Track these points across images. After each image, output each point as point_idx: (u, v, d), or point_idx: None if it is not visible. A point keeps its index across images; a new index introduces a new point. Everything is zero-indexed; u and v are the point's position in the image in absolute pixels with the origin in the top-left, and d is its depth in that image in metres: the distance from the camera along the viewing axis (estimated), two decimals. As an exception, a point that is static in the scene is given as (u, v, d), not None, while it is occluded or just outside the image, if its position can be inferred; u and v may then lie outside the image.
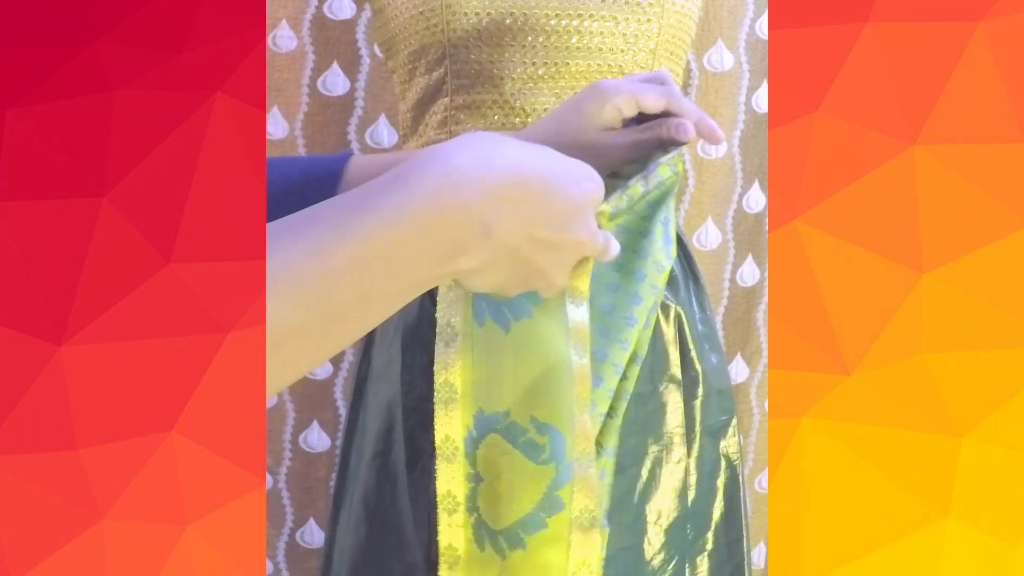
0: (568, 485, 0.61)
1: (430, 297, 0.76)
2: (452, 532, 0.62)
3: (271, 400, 1.27)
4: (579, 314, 0.60)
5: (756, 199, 1.30)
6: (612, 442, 0.64)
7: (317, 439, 1.28)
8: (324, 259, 0.37)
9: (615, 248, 0.53)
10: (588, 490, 0.62)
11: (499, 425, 0.61)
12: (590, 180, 0.47)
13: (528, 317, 0.59)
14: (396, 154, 0.61)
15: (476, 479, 0.62)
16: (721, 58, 1.25)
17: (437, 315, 0.60)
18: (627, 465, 0.80)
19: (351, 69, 1.20)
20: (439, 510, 0.62)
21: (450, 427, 0.61)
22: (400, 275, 0.39)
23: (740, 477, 0.87)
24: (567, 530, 0.62)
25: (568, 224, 0.45)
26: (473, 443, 0.62)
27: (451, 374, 0.61)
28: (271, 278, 0.36)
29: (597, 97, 0.60)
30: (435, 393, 0.61)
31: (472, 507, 0.62)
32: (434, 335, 0.69)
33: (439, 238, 0.39)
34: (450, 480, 0.62)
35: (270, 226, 0.38)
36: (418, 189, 0.39)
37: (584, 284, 0.60)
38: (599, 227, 0.51)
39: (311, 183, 0.59)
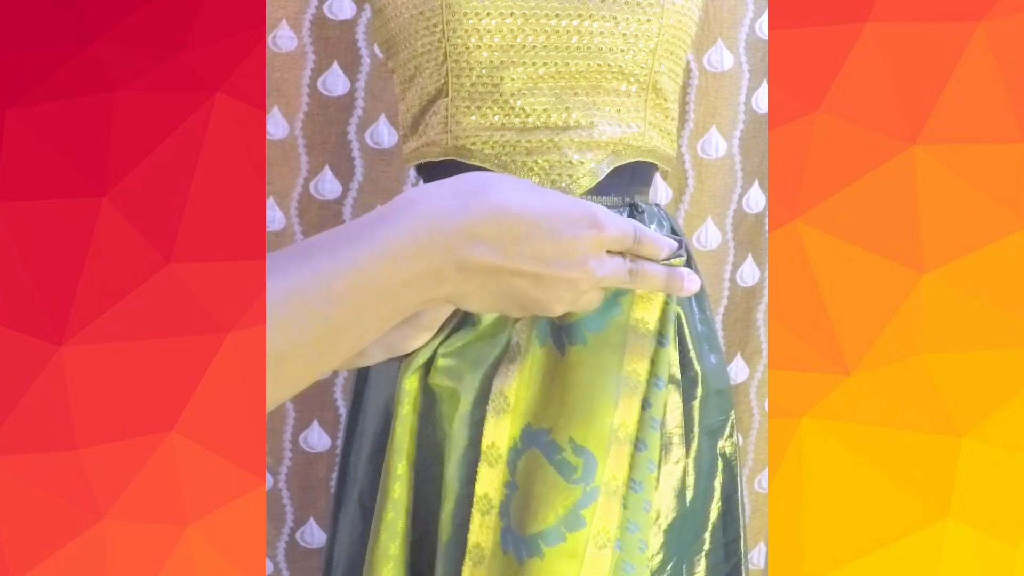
0: (592, 506, 0.63)
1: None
2: (483, 533, 0.65)
3: (271, 400, 1.27)
4: (639, 346, 0.62)
5: (756, 199, 1.30)
6: (643, 477, 0.66)
7: (317, 439, 1.28)
8: (327, 285, 0.42)
9: (691, 282, 0.55)
10: (610, 514, 0.63)
11: (541, 441, 0.63)
12: (590, 226, 0.50)
13: (582, 343, 0.62)
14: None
15: (512, 487, 0.64)
16: (721, 58, 1.25)
17: (511, 334, 0.63)
18: (627, 465, 0.80)
19: (351, 69, 1.20)
20: (474, 510, 0.65)
21: (497, 435, 0.64)
22: (390, 300, 0.45)
23: (738, 478, 0.87)
24: (583, 547, 0.63)
25: (554, 262, 0.49)
26: (517, 454, 0.64)
27: (506, 386, 0.64)
28: (279, 302, 0.40)
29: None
30: (490, 402, 0.64)
31: (504, 512, 0.64)
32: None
33: (420, 269, 0.45)
34: (489, 484, 0.65)
35: (273, 255, 0.43)
36: (403, 227, 0.45)
37: (649, 315, 0.61)
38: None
39: None
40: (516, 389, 0.65)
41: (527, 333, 0.64)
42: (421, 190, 0.47)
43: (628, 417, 0.63)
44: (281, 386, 0.42)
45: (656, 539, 0.81)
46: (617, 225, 0.51)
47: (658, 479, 0.70)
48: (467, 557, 0.67)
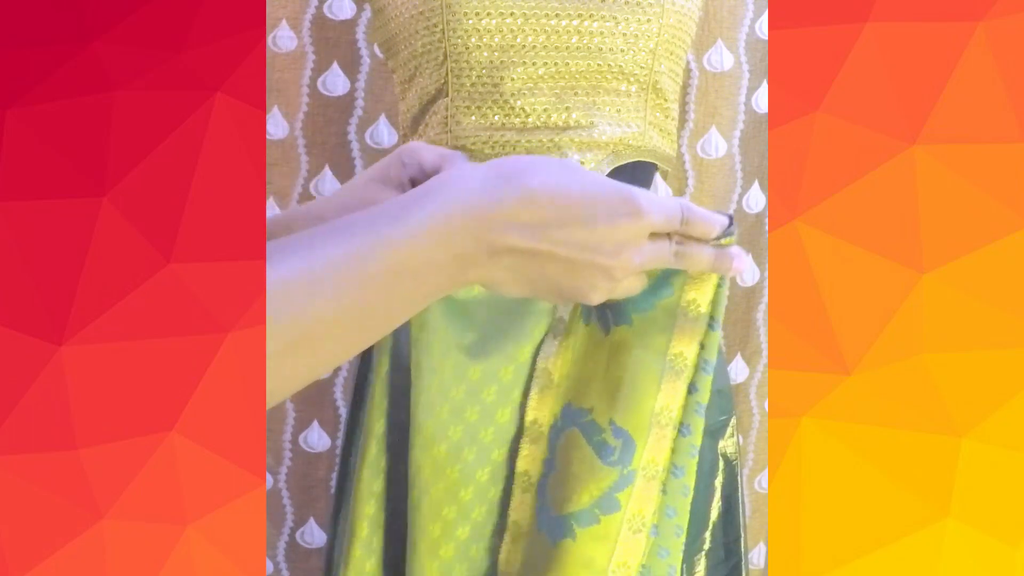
0: (628, 489, 0.63)
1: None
2: (521, 510, 0.66)
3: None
4: (688, 328, 0.60)
5: (756, 199, 1.30)
6: (685, 463, 0.65)
7: (317, 439, 1.28)
8: (361, 264, 0.42)
9: (742, 263, 0.52)
10: (647, 498, 0.63)
11: (581, 420, 0.62)
12: (628, 214, 0.48)
13: (628, 324, 0.61)
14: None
15: (551, 465, 0.64)
16: (721, 58, 1.25)
17: (555, 309, 0.62)
18: (627, 465, 0.80)
19: (351, 69, 1.20)
20: (515, 487, 0.65)
21: (540, 411, 0.64)
22: (422, 282, 0.44)
23: (738, 478, 0.87)
24: (617, 531, 0.63)
25: (588, 248, 0.47)
26: (556, 432, 0.64)
27: (550, 363, 0.64)
28: (314, 279, 0.40)
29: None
30: (534, 379, 0.64)
31: (541, 490, 0.64)
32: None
33: (451, 253, 0.44)
34: (530, 461, 0.65)
35: (304, 235, 0.43)
36: (436, 209, 0.44)
37: (702, 297, 0.59)
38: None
39: None
40: (560, 366, 0.65)
41: (572, 309, 0.64)
42: (458, 171, 0.47)
43: (672, 401, 0.63)
44: (309, 365, 0.42)
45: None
46: (661, 210, 0.49)
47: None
48: (507, 533, 0.67)
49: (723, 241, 0.51)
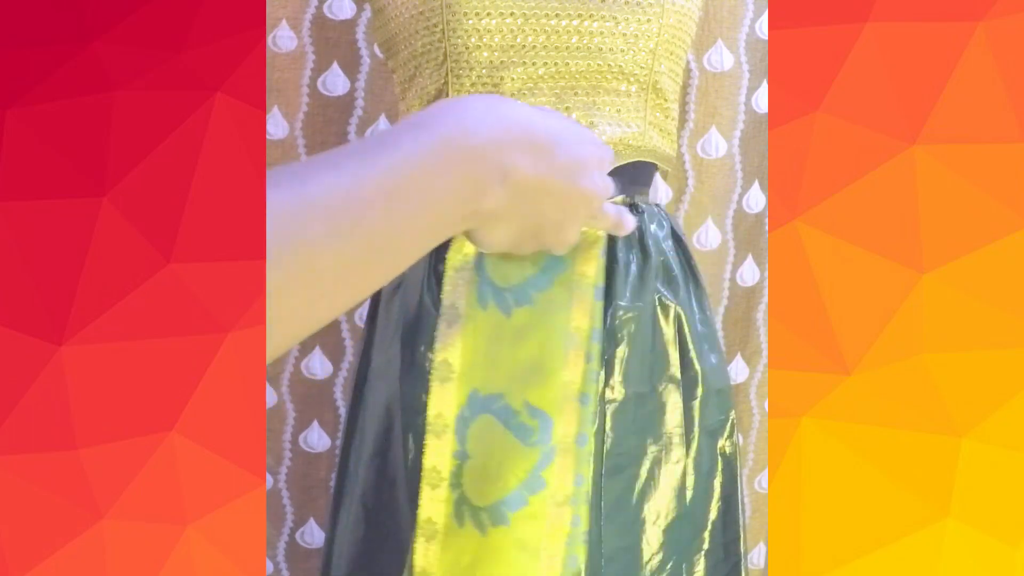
0: (551, 466, 0.62)
1: (431, 297, 0.76)
2: (433, 506, 0.63)
3: (271, 400, 1.27)
4: (583, 300, 0.61)
5: (756, 199, 1.30)
6: (588, 430, 0.65)
7: (317, 439, 1.28)
8: (357, 185, 0.39)
9: (629, 221, 0.55)
10: (566, 471, 0.63)
11: (494, 406, 0.62)
12: (592, 143, 0.50)
13: (529, 304, 0.61)
14: None
15: (463, 456, 0.63)
16: (721, 58, 1.25)
17: (442, 297, 0.61)
18: (626, 465, 0.80)
19: (351, 69, 1.20)
20: (423, 484, 0.63)
21: (444, 404, 0.63)
22: (427, 209, 0.41)
23: (738, 478, 0.87)
24: (545, 508, 0.63)
25: (574, 176, 0.48)
26: (465, 422, 0.63)
27: (450, 353, 0.62)
28: (306, 205, 0.37)
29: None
30: (433, 371, 0.62)
31: (456, 483, 0.63)
32: (434, 335, 0.69)
33: (460, 176, 0.42)
34: (437, 455, 0.63)
35: (298, 164, 0.40)
36: (435, 132, 0.41)
37: (591, 268, 0.61)
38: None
39: None
40: (461, 355, 0.63)
41: (466, 296, 0.63)
42: (449, 101, 0.45)
43: (576, 374, 0.63)
44: (310, 301, 0.38)
45: (656, 538, 0.81)
46: (599, 146, 0.51)
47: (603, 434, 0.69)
48: (418, 533, 0.64)
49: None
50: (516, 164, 0.44)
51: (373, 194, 0.39)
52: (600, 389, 0.78)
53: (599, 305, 0.63)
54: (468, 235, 0.48)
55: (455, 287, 0.61)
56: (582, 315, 0.62)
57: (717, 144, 1.26)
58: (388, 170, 0.40)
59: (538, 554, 0.63)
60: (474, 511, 0.63)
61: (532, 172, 0.45)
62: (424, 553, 0.65)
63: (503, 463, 0.62)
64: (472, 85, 0.79)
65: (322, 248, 0.37)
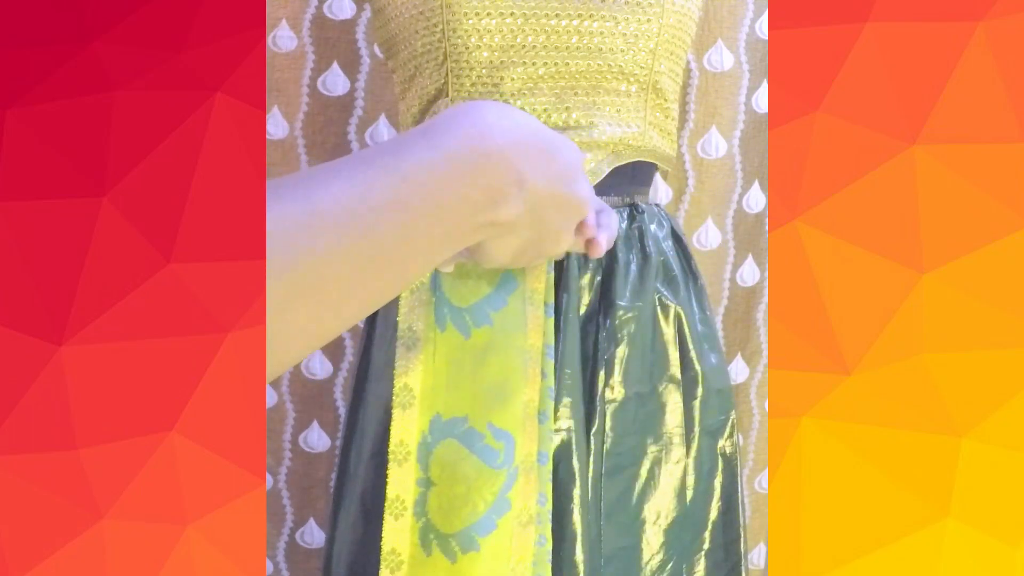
0: (515, 486, 0.62)
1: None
2: (397, 536, 0.62)
3: (271, 400, 1.27)
4: (536, 317, 0.61)
5: (756, 199, 1.30)
6: (548, 448, 0.65)
7: (317, 439, 1.28)
8: (367, 194, 0.37)
9: (602, 245, 0.55)
10: (529, 490, 0.62)
11: (457, 430, 0.61)
12: (575, 149, 0.49)
13: (488, 324, 0.60)
14: None
15: (427, 484, 0.62)
16: (721, 58, 1.25)
17: (399, 319, 0.60)
18: (626, 465, 0.80)
19: (351, 69, 1.20)
20: (386, 514, 0.61)
21: (405, 431, 0.61)
22: (441, 218, 0.39)
23: (738, 478, 0.87)
24: (511, 530, 0.62)
25: (572, 182, 0.47)
26: (427, 448, 0.62)
27: (410, 378, 0.61)
28: (314, 213, 0.35)
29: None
30: (394, 397, 0.61)
31: (420, 512, 0.62)
32: None
33: (478, 183, 0.40)
34: (399, 484, 0.62)
35: (302, 174, 0.38)
36: (451, 137, 0.39)
37: (540, 284, 0.61)
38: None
39: None
40: (422, 379, 0.62)
41: (424, 319, 0.62)
42: (461, 106, 0.42)
43: (533, 392, 0.63)
44: (315, 317, 0.36)
45: (656, 538, 0.81)
46: (578, 151, 0.50)
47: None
48: (383, 565, 0.63)
49: None
50: (530, 170, 0.42)
51: (384, 203, 0.37)
52: (601, 389, 0.78)
53: (550, 321, 0.62)
54: (472, 249, 0.47)
55: (411, 309, 0.60)
56: (536, 333, 0.62)
57: (717, 144, 1.26)
58: (400, 177, 0.38)
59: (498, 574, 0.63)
60: (442, 539, 0.62)
61: (544, 180, 0.43)
62: None
63: (471, 488, 0.61)
64: (472, 85, 0.79)
65: (331, 260, 0.36)
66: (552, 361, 0.64)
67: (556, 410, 0.67)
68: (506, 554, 0.62)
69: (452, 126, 0.40)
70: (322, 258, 0.36)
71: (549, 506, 0.65)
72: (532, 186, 0.42)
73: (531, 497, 0.63)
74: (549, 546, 0.65)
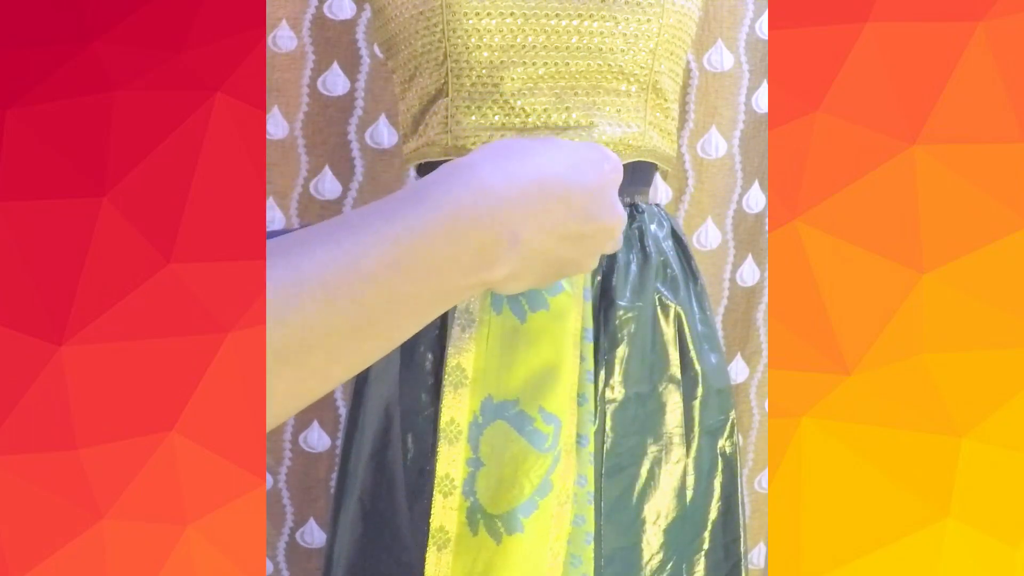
0: (558, 468, 0.62)
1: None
2: (445, 514, 0.62)
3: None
4: (581, 301, 0.61)
5: (756, 199, 1.30)
6: (587, 431, 0.65)
7: (317, 439, 1.28)
8: (355, 262, 0.37)
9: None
10: (569, 471, 0.63)
11: (508, 412, 0.61)
12: (606, 160, 0.47)
13: (545, 308, 0.60)
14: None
15: (476, 464, 0.62)
16: (721, 58, 1.25)
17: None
18: (626, 465, 0.80)
19: (351, 69, 1.20)
20: (435, 492, 0.62)
21: (457, 410, 0.62)
22: (430, 282, 0.39)
23: (738, 478, 0.87)
24: (551, 510, 0.63)
25: (593, 214, 0.46)
26: (479, 429, 0.62)
27: (464, 358, 0.61)
28: (302, 277, 0.35)
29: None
30: (446, 376, 0.61)
31: (469, 491, 0.62)
32: (433, 335, 0.68)
33: (468, 247, 0.39)
34: (450, 463, 0.62)
35: (292, 234, 0.38)
36: (443, 199, 0.39)
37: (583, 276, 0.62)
38: None
39: None
40: (475, 360, 0.62)
41: (480, 300, 0.62)
42: (454, 162, 0.42)
43: (575, 375, 0.63)
44: (299, 380, 0.36)
45: (656, 538, 0.81)
46: (608, 160, 0.48)
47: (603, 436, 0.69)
48: (431, 542, 0.63)
49: None
50: (527, 226, 0.41)
51: (373, 270, 0.37)
52: (601, 389, 0.78)
53: (588, 305, 0.63)
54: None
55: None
56: (579, 316, 0.62)
57: (717, 144, 1.26)
58: (388, 242, 0.37)
59: (546, 556, 0.63)
60: (488, 519, 0.62)
61: (547, 229, 0.42)
62: (436, 563, 0.63)
63: (518, 470, 0.62)
64: (472, 85, 0.79)
65: (317, 328, 0.36)
66: (591, 344, 0.64)
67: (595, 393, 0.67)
68: (546, 534, 0.63)
69: (442, 187, 0.39)
70: (308, 326, 0.35)
71: (589, 487, 0.65)
72: (528, 239, 0.42)
73: (570, 478, 0.63)
74: (587, 527, 0.65)
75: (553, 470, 0.63)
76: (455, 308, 0.60)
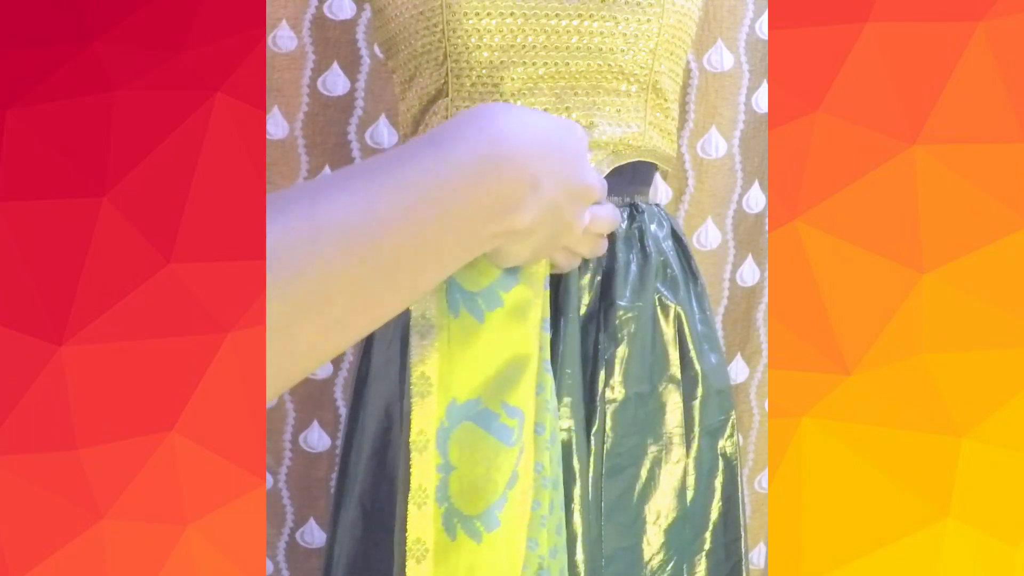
0: (523, 460, 0.62)
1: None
2: (421, 525, 0.62)
3: (271, 400, 1.27)
4: (540, 291, 0.62)
5: (756, 199, 1.30)
6: (544, 419, 0.65)
7: (317, 439, 1.28)
8: (371, 205, 0.35)
9: (603, 245, 0.54)
10: (528, 461, 0.63)
11: (472, 412, 0.61)
12: (578, 129, 0.48)
13: (501, 306, 0.60)
14: None
15: (447, 468, 0.62)
16: (721, 58, 1.25)
17: (411, 308, 0.60)
18: (626, 465, 0.80)
19: (351, 69, 1.20)
20: (409, 504, 0.62)
21: (425, 420, 0.61)
22: (452, 227, 0.38)
23: (739, 477, 0.87)
24: (519, 500, 0.63)
25: (581, 172, 0.46)
26: (446, 433, 0.62)
27: (427, 367, 0.61)
28: (320, 224, 0.34)
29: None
30: (411, 386, 0.61)
31: (443, 497, 0.62)
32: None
33: (490, 190, 0.38)
34: (422, 473, 0.62)
35: (310, 182, 0.37)
36: (460, 143, 0.38)
37: (543, 267, 0.62)
38: None
39: None
40: (438, 366, 0.61)
41: (436, 305, 0.62)
42: (470, 111, 0.41)
43: (534, 367, 0.63)
44: (319, 333, 0.35)
45: (656, 538, 0.81)
46: (583, 133, 0.49)
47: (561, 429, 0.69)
48: (408, 555, 0.62)
49: None
50: (545, 172, 0.41)
51: (391, 214, 0.36)
52: (601, 389, 0.78)
53: (546, 294, 0.63)
54: (489, 253, 0.46)
55: (423, 296, 0.60)
56: (539, 307, 0.63)
57: (717, 144, 1.26)
58: (407, 187, 0.36)
59: (523, 545, 0.63)
60: (466, 521, 0.62)
61: (556, 178, 0.42)
62: (415, 574, 0.63)
63: (490, 467, 0.61)
64: (472, 85, 0.79)
65: (336, 275, 0.35)
66: (548, 335, 0.64)
67: (560, 398, 0.67)
68: (520, 523, 0.63)
69: (460, 132, 0.39)
70: (327, 274, 0.34)
71: (545, 472, 0.65)
72: (545, 187, 0.41)
73: (529, 466, 0.63)
74: (543, 510, 0.65)
75: (519, 462, 0.63)
76: (412, 316, 0.60)
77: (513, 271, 0.60)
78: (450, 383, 0.61)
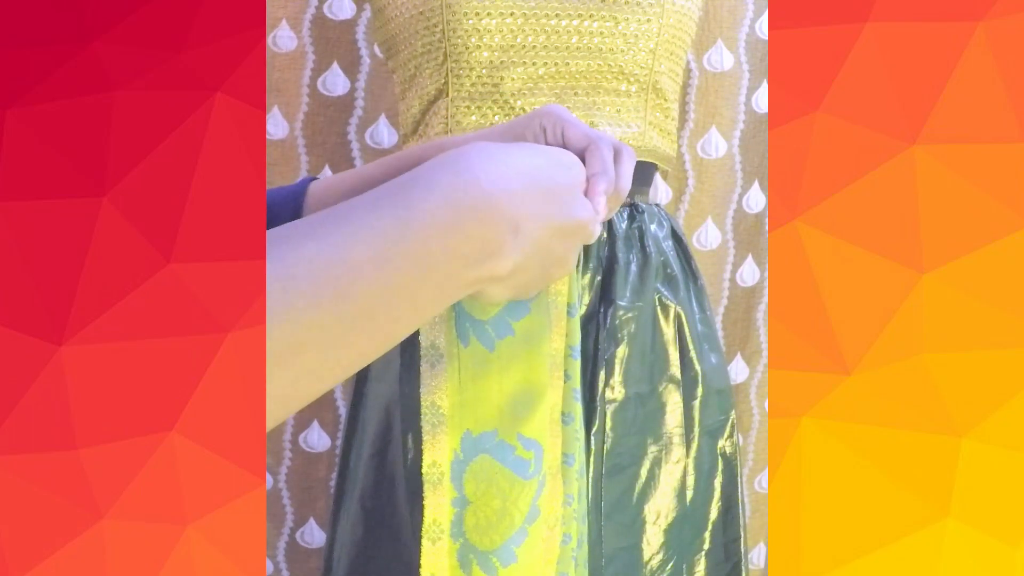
0: (544, 493, 0.62)
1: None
2: (435, 561, 0.61)
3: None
4: (559, 319, 0.60)
5: (756, 199, 1.30)
6: (574, 450, 0.64)
7: (317, 439, 1.28)
8: (343, 253, 0.35)
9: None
10: (555, 494, 0.62)
11: (488, 444, 0.60)
12: (575, 164, 0.47)
13: (511, 334, 0.59)
14: (358, 170, 0.58)
15: (462, 503, 0.61)
16: (721, 58, 1.25)
17: (420, 337, 0.59)
18: (626, 465, 0.80)
19: (351, 69, 1.20)
20: (423, 539, 0.61)
21: (438, 451, 0.60)
22: (427, 275, 0.37)
23: (738, 477, 0.87)
24: (540, 535, 0.62)
25: (571, 208, 0.45)
26: (461, 466, 0.61)
27: (437, 396, 0.60)
28: (289, 274, 0.34)
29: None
30: (423, 416, 0.60)
31: (458, 532, 0.61)
32: None
33: (467, 237, 0.38)
34: (437, 508, 0.61)
35: (281, 228, 0.36)
36: (434, 188, 0.37)
37: (563, 285, 0.60)
38: None
39: (271, 210, 0.58)
40: (449, 396, 0.60)
41: (446, 334, 0.61)
42: (443, 154, 0.40)
43: (557, 395, 0.62)
44: (300, 383, 0.35)
45: (656, 538, 0.81)
46: (577, 165, 0.47)
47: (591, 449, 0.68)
48: None
49: None
50: (527, 214, 0.40)
51: (360, 262, 0.35)
52: (601, 389, 0.78)
53: (573, 322, 0.62)
54: (472, 294, 0.46)
55: (432, 325, 0.58)
56: (558, 336, 0.61)
57: (717, 144, 1.26)
58: (377, 235, 0.35)
59: None
60: (482, 557, 0.61)
61: (542, 219, 0.41)
62: None
63: (507, 501, 0.61)
64: (472, 85, 0.79)
65: (308, 323, 0.34)
66: (578, 362, 0.63)
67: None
68: (539, 559, 0.62)
69: (434, 179, 0.38)
70: (298, 323, 0.34)
71: (575, 505, 0.65)
72: (527, 229, 0.40)
73: (558, 500, 0.63)
74: (573, 544, 0.65)
75: (539, 495, 0.62)
76: (421, 346, 0.59)
77: (526, 298, 0.59)
78: (463, 414, 0.60)
